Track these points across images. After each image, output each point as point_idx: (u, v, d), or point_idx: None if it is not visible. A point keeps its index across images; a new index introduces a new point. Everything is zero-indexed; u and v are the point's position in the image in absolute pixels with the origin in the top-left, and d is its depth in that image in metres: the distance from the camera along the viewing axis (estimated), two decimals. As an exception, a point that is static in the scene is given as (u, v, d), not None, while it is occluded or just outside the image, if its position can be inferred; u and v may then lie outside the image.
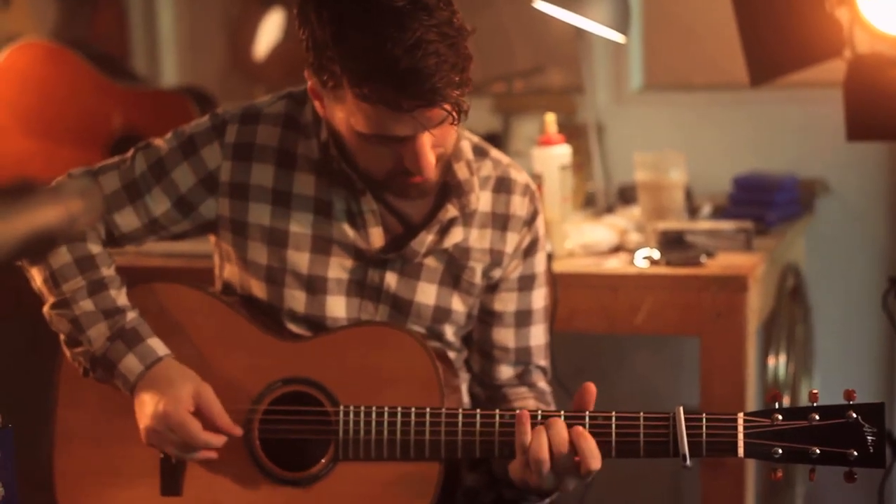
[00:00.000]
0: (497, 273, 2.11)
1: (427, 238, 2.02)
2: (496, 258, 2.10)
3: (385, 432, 1.92)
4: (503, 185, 2.11)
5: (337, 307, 2.04)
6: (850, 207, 3.41)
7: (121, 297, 2.00)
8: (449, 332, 2.10)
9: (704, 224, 2.83)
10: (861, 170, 3.39)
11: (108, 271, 2.01)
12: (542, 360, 2.19)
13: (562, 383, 2.84)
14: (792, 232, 3.10)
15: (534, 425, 1.84)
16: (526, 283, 2.15)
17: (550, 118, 2.75)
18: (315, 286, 2.03)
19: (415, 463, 1.92)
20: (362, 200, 2.00)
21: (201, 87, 3.55)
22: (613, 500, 3.55)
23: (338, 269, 2.03)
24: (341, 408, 1.94)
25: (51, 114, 3.26)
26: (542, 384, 2.20)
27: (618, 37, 3.03)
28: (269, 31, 4.17)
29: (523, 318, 2.15)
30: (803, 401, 1.84)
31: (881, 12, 2.71)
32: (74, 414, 2.05)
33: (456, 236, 2.05)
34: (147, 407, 1.92)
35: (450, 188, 2.04)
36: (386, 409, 1.92)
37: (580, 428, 1.83)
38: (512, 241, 2.11)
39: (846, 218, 3.41)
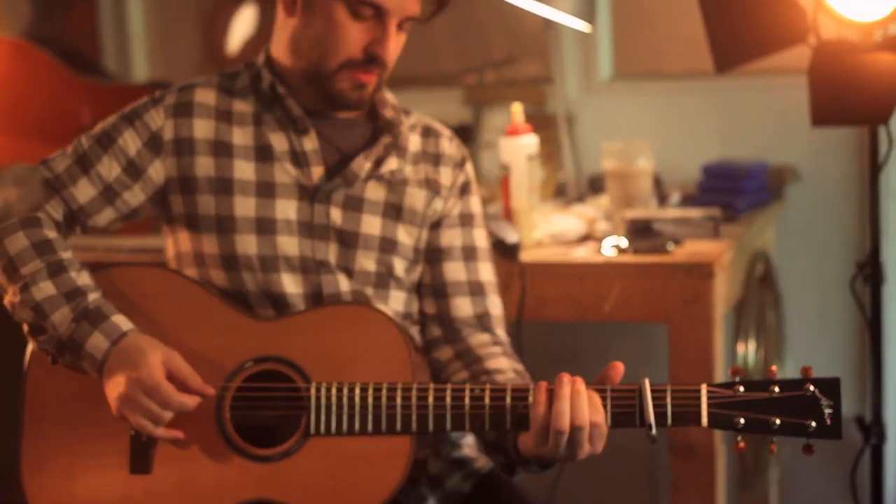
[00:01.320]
0: (438, 205, 2.21)
1: (365, 163, 2.14)
2: (433, 187, 2.21)
3: (357, 407, 1.94)
4: (430, 132, 2.28)
5: (289, 246, 2.11)
6: (820, 194, 3.42)
7: (81, 278, 2.01)
8: (399, 267, 2.17)
9: (672, 212, 2.84)
10: (830, 156, 3.40)
11: (65, 254, 2.03)
12: (495, 299, 2.24)
13: (534, 376, 2.85)
14: (761, 219, 3.11)
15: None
16: (466, 220, 2.25)
17: (517, 108, 2.76)
18: (264, 228, 2.10)
19: (386, 438, 1.94)
20: (304, 140, 2.13)
21: (169, 82, 3.54)
22: (586, 486, 3.57)
23: (284, 210, 2.11)
24: (313, 384, 1.96)
25: (18, 110, 3.25)
26: (501, 332, 2.23)
27: (584, 26, 3.03)
28: (242, 25, 4.17)
29: (470, 253, 2.23)
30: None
31: (844, -2, 2.73)
32: (42, 396, 2.05)
33: (391, 164, 2.18)
34: (119, 377, 1.93)
35: (380, 128, 2.19)
36: (357, 384, 1.94)
37: (596, 399, 1.86)
38: (446, 175, 2.24)
39: (816, 204, 3.42)
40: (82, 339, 1.95)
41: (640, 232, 2.74)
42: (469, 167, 2.29)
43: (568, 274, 2.64)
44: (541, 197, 2.94)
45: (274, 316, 2.07)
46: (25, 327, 2.01)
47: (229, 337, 2.02)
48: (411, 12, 2.07)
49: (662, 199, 3.10)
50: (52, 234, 2.04)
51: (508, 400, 1.90)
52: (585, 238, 2.84)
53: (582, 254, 2.70)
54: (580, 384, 1.86)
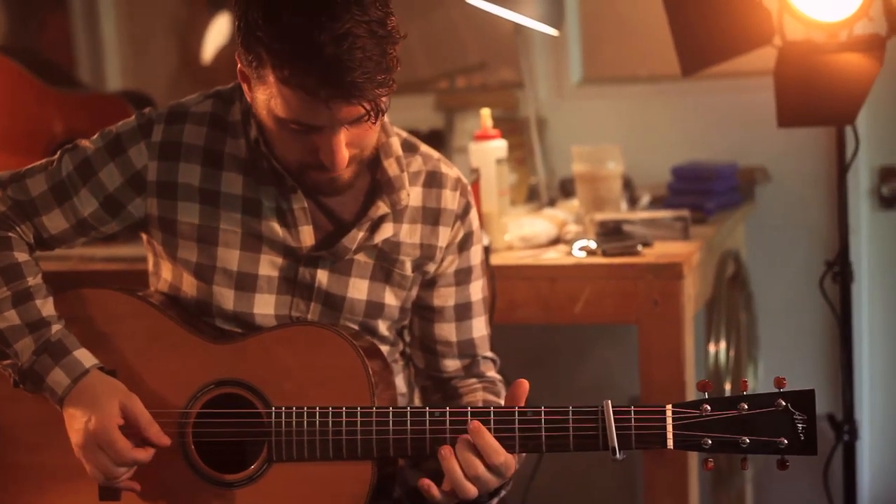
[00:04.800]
0: (431, 268, 2.13)
1: (358, 235, 2.03)
2: (427, 252, 2.11)
3: (317, 432, 1.93)
4: (434, 180, 2.12)
5: (265, 305, 2.04)
6: (790, 194, 3.44)
7: (46, 308, 1.98)
8: (382, 327, 2.11)
9: (642, 214, 2.86)
10: (800, 157, 3.42)
11: (34, 280, 2.00)
12: (487, 351, 2.21)
13: (507, 379, 2.87)
14: (732, 220, 3.12)
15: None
16: (463, 276, 2.16)
17: (486, 113, 2.77)
18: (244, 284, 2.03)
19: (348, 462, 1.93)
20: (292, 198, 2.00)
21: (142, 91, 3.55)
22: (561, 487, 3.58)
23: (268, 266, 2.03)
24: (273, 409, 1.95)
25: (-10, 122, 3.26)
26: (492, 373, 2.21)
27: (551, 31, 3.05)
28: (217, 34, 4.16)
29: (463, 312, 2.17)
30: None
31: (809, -1, 2.75)
32: (11, 420, 2.04)
33: (386, 232, 2.06)
34: (77, 423, 1.92)
35: (380, 185, 2.05)
36: (317, 409, 1.93)
37: (476, 424, 1.85)
38: (444, 235, 2.12)
39: (786, 204, 3.44)
40: (43, 373, 1.93)
41: (610, 234, 2.75)
42: (472, 215, 2.16)
43: (538, 276, 2.66)
44: (513, 201, 2.96)
45: (233, 338, 2.02)
46: None
47: (189, 360, 2.00)
48: (357, 114, 1.82)
49: (633, 202, 3.11)
50: (22, 256, 2.01)
51: (468, 423, 1.88)
52: (556, 241, 2.85)
53: (552, 256, 2.71)
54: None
